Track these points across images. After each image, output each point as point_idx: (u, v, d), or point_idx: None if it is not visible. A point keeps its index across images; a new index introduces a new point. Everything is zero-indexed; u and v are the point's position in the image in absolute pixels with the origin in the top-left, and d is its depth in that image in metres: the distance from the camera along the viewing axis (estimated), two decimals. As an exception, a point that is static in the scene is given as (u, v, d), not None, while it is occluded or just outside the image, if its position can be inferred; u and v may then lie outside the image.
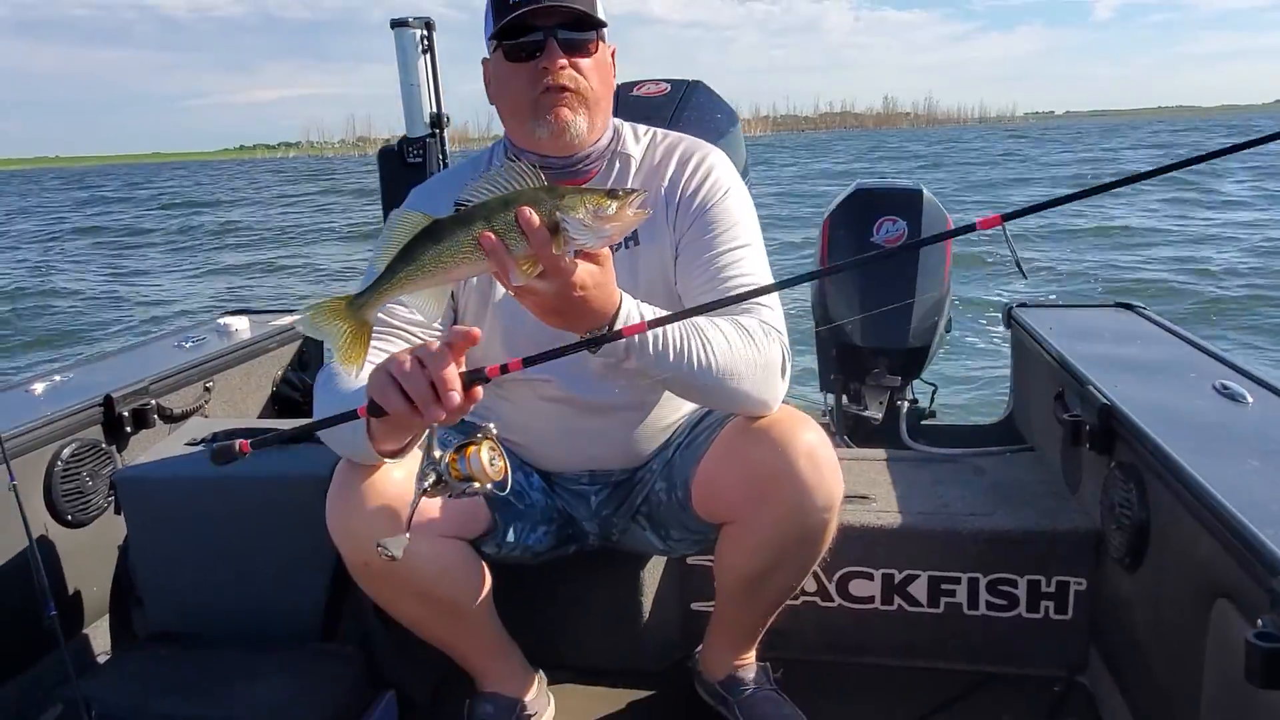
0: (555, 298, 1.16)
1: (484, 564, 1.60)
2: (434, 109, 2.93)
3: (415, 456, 1.33)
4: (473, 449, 1.24)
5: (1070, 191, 1.32)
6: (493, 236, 1.09)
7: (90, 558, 1.98)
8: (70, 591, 1.95)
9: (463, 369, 1.13)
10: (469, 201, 1.13)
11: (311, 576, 1.75)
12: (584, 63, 1.44)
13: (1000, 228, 1.20)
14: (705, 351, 1.33)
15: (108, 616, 1.99)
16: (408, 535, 1.21)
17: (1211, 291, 9.35)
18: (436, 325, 1.50)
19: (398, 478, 1.40)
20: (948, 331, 2.79)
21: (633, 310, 1.27)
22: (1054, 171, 28.75)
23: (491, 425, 1.28)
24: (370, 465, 1.39)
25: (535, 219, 1.09)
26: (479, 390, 1.14)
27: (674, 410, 1.66)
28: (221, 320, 2.81)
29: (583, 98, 1.45)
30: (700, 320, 1.34)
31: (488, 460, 1.25)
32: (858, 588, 1.92)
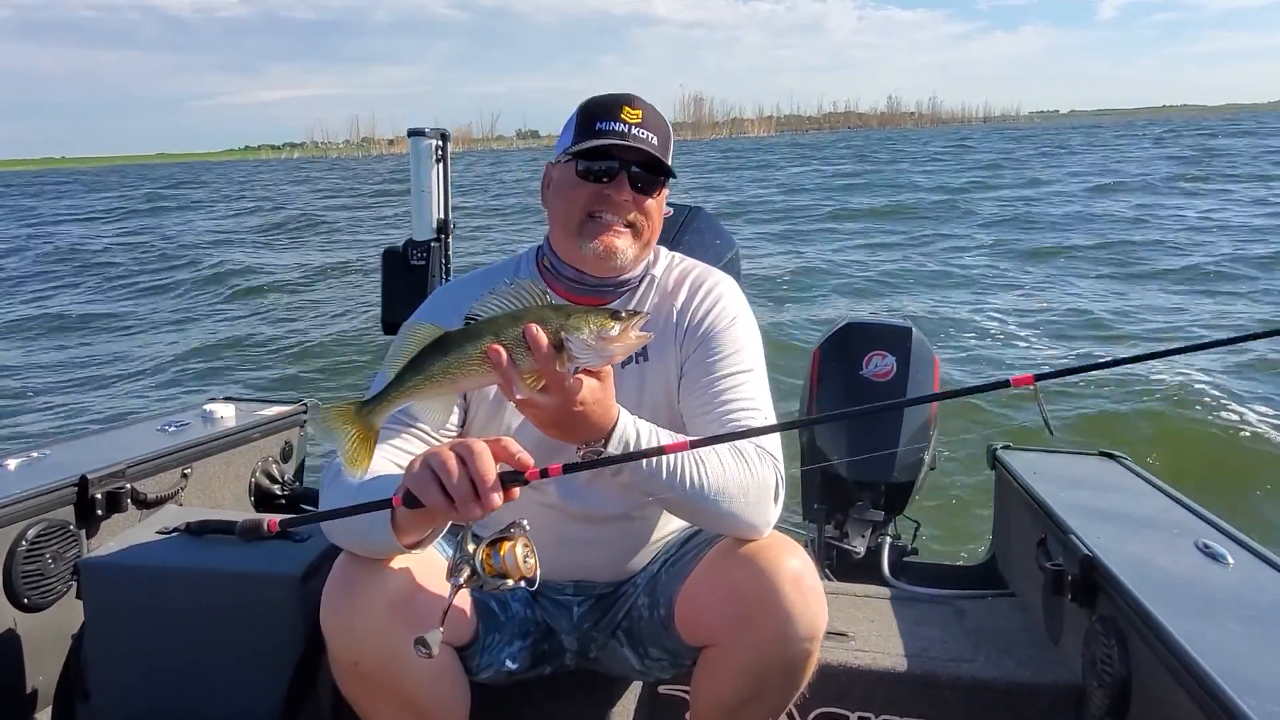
0: (556, 411, 1.22)
1: (467, 679, 1.55)
2: (441, 215, 3.01)
3: (419, 555, 1.36)
4: (507, 545, 1.27)
5: (1103, 359, 1.37)
6: (501, 351, 1.14)
7: (42, 645, 1.91)
8: (17, 679, 1.87)
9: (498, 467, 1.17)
10: (478, 316, 1.18)
11: (269, 679, 1.69)
12: (648, 202, 1.53)
13: (1032, 386, 1.23)
14: (699, 471, 1.36)
15: (51, 709, 1.90)
16: (441, 630, 1.23)
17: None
18: (449, 425, 1.54)
19: (400, 577, 1.40)
20: (933, 469, 2.79)
21: (629, 426, 1.31)
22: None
23: (525, 521, 1.31)
24: (372, 561, 1.39)
25: (542, 337, 1.14)
26: (516, 490, 1.18)
27: (664, 525, 1.67)
28: (207, 406, 2.80)
29: (638, 232, 1.54)
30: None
31: (521, 557, 1.27)
32: None
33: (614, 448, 1.29)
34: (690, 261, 1.70)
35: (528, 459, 1.20)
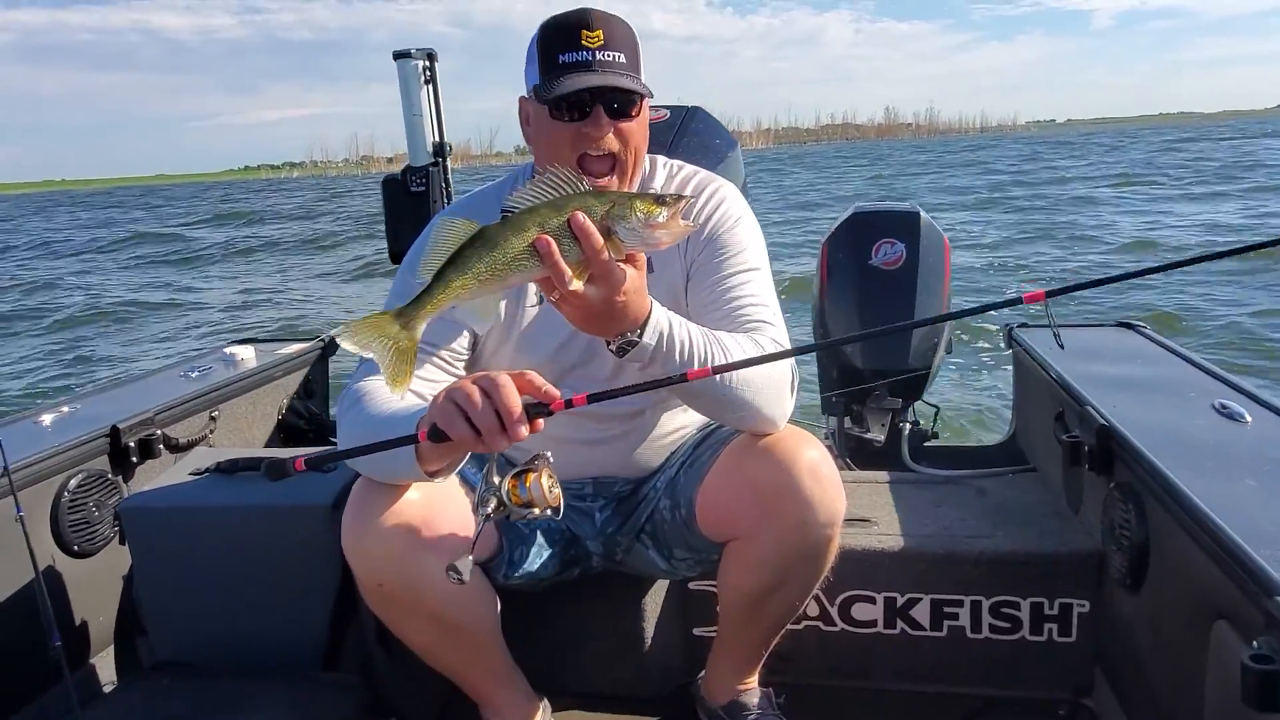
0: (601, 303, 1.19)
1: (494, 589, 1.61)
2: (436, 138, 2.96)
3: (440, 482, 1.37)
4: (532, 476, 1.28)
5: (1112, 274, 1.41)
6: (551, 241, 1.10)
7: (96, 588, 1.99)
8: (76, 622, 1.96)
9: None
10: (515, 208, 1.13)
11: (313, 605, 1.76)
12: (626, 125, 1.47)
13: (1043, 303, 1.25)
14: (724, 363, 1.36)
15: (113, 646, 2.00)
16: (472, 558, 1.26)
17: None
18: (462, 348, 1.55)
19: (415, 499, 1.43)
20: (949, 353, 2.79)
21: (661, 315, 1.31)
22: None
23: (549, 453, 1.32)
24: (391, 485, 1.42)
25: (590, 225, 1.11)
26: (541, 422, 1.18)
27: (676, 421, 1.69)
28: (228, 349, 2.84)
29: (623, 165, 1.49)
30: (721, 335, 1.40)
31: (547, 487, 1.29)
32: (860, 611, 1.91)
33: (649, 337, 1.28)
34: (690, 168, 1.68)
35: (554, 391, 1.20)
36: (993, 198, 22.34)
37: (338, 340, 1.21)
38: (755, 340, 1.43)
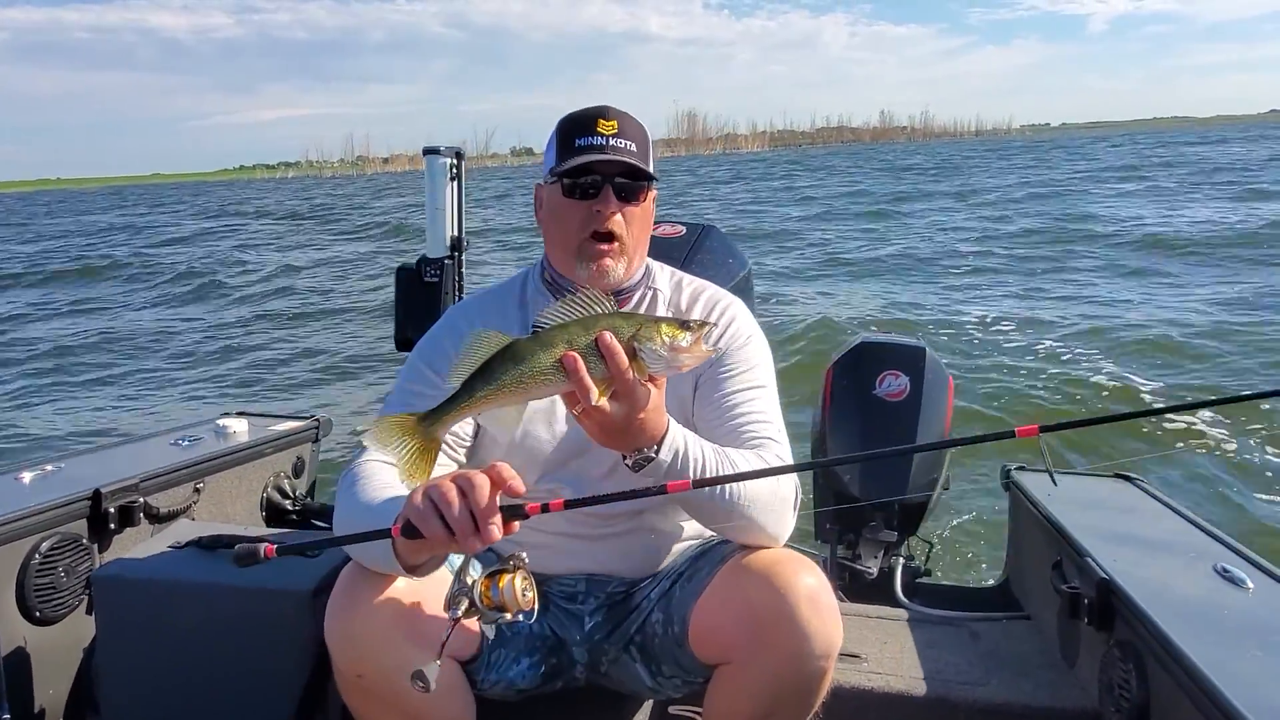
0: (622, 419, 1.23)
1: (472, 693, 1.55)
2: (455, 233, 3.02)
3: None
4: (506, 578, 1.26)
5: (1111, 413, 1.40)
6: (578, 358, 1.16)
7: (54, 658, 1.91)
8: (28, 693, 1.87)
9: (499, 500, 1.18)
10: (545, 324, 1.19)
11: (278, 695, 1.68)
12: (632, 209, 1.57)
13: (1037, 437, 1.25)
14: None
15: None
16: (439, 662, 1.22)
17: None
18: (465, 434, 1.57)
19: (404, 589, 1.40)
20: (946, 489, 2.77)
21: (678, 434, 1.35)
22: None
23: (524, 554, 1.30)
24: (378, 572, 1.39)
25: (617, 345, 1.16)
26: (516, 524, 1.18)
27: (674, 523, 1.68)
28: (220, 421, 2.81)
29: (624, 245, 1.57)
30: (731, 452, 1.43)
31: (520, 590, 1.26)
32: None
33: (665, 454, 1.32)
34: (701, 282, 1.72)
35: (519, 486, 1.19)
36: (988, 200, 23.39)
37: (362, 439, 1.23)
38: (761, 457, 1.47)
